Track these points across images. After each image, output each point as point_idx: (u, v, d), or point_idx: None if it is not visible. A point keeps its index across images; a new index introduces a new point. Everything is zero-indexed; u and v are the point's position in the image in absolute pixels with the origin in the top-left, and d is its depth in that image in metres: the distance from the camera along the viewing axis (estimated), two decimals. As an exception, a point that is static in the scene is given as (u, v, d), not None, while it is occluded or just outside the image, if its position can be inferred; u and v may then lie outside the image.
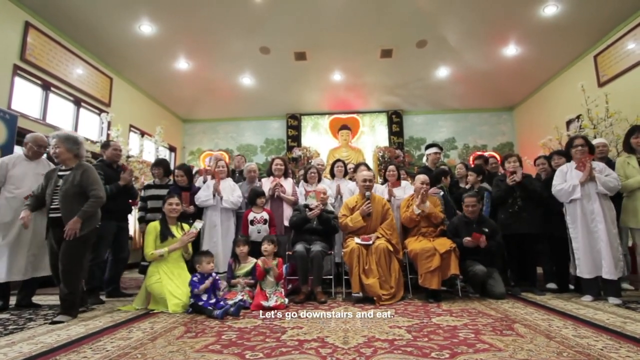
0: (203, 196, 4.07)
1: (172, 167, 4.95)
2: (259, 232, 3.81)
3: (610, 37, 5.77)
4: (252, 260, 3.48)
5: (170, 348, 2.03)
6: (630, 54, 5.41)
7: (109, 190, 3.48)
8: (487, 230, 3.55)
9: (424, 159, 4.96)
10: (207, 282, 3.08)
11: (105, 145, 3.98)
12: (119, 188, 3.71)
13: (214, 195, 4.08)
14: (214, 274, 3.23)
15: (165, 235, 3.32)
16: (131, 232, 6.52)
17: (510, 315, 2.66)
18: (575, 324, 2.37)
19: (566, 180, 3.43)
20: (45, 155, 3.63)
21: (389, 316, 2.72)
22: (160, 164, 4.35)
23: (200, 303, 2.92)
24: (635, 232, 3.35)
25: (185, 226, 3.50)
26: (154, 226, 3.37)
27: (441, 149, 5.01)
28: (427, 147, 4.94)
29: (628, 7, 5.22)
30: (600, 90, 5.78)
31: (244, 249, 3.47)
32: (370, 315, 2.77)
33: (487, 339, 2.06)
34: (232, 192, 4.21)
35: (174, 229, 3.40)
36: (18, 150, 4.32)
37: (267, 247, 3.41)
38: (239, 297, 3.13)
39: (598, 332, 2.18)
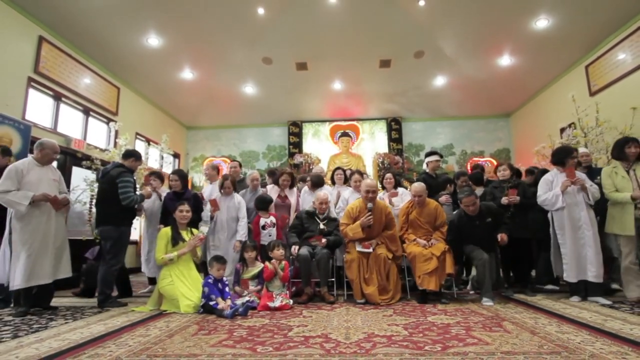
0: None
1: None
2: (270, 236, 4.09)
3: (601, 48, 6.00)
4: (259, 265, 3.69)
5: (187, 343, 2.22)
6: (620, 65, 5.63)
7: (138, 199, 3.68)
8: (489, 220, 3.62)
9: (424, 165, 5.06)
10: (226, 304, 3.14)
11: (139, 157, 3.97)
12: (142, 199, 3.84)
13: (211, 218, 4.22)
14: (224, 279, 3.43)
15: (176, 240, 3.52)
16: (136, 238, 6.72)
17: (501, 314, 2.85)
18: (560, 322, 2.56)
19: (552, 189, 3.57)
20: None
21: (388, 315, 2.92)
22: None
23: (212, 303, 3.12)
24: (620, 238, 3.51)
25: (195, 230, 3.70)
26: (166, 232, 3.57)
27: (441, 156, 5.17)
28: (428, 154, 5.05)
29: (617, 19, 5.45)
30: (591, 99, 6.00)
31: (252, 254, 3.69)
32: (369, 314, 2.96)
33: (476, 335, 2.26)
34: (238, 215, 4.21)
35: (184, 234, 3.60)
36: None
37: (278, 251, 3.62)
38: (247, 298, 3.32)
39: (579, 328, 2.37)
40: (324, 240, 3.78)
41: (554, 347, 1.98)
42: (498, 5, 5.43)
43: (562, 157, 3.64)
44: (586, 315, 2.74)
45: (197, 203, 4.23)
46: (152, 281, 4.41)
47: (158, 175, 4.54)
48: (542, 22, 5.68)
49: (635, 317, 2.66)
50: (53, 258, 3.31)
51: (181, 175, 4.29)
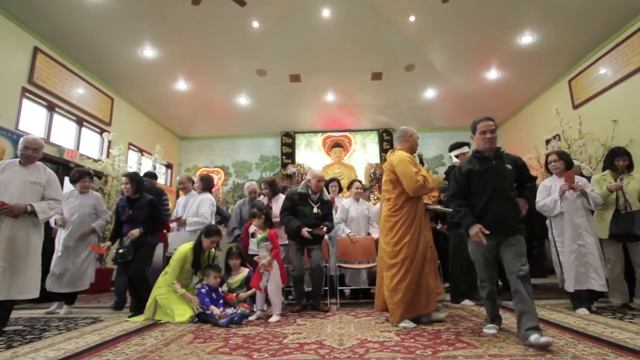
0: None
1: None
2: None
3: (583, 63, 6.25)
4: (243, 270, 3.67)
5: (183, 351, 2.25)
6: (601, 79, 5.87)
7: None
8: (509, 167, 2.60)
9: (453, 159, 4.44)
10: (219, 311, 3.17)
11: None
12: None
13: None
14: (220, 289, 3.45)
15: (196, 269, 3.49)
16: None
17: (490, 320, 2.94)
18: (545, 326, 2.64)
19: (550, 194, 3.46)
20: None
21: (380, 322, 2.98)
22: None
23: (208, 312, 3.15)
24: (605, 243, 3.59)
25: (212, 251, 3.69)
26: (185, 254, 3.46)
27: (469, 146, 4.42)
28: (454, 147, 4.43)
29: (597, 36, 5.70)
30: (574, 112, 6.24)
31: (237, 261, 3.65)
32: (362, 322, 3.03)
33: (466, 339, 2.34)
34: (197, 210, 4.15)
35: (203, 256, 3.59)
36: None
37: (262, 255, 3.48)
38: (240, 309, 3.32)
39: (563, 332, 2.47)
40: (324, 229, 3.66)
41: (539, 349, 2.06)
42: (485, 22, 5.65)
43: (546, 164, 3.66)
44: (570, 320, 2.84)
45: (153, 210, 3.74)
46: (62, 297, 3.91)
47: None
48: (527, 38, 5.92)
49: (616, 322, 2.77)
50: (6, 274, 2.78)
51: (132, 177, 3.70)
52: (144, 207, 3.64)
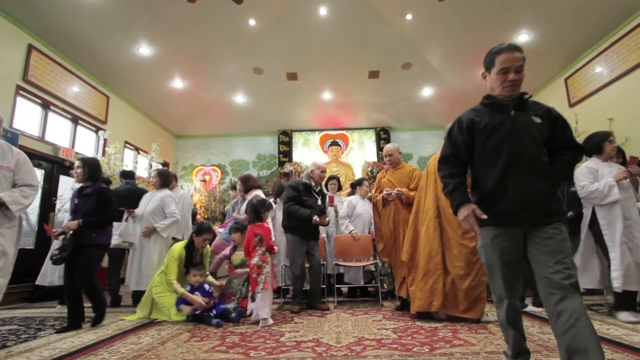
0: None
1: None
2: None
3: (579, 62, 6.28)
4: None
5: (180, 350, 2.24)
6: (597, 78, 5.90)
7: None
8: (539, 120, 1.64)
9: None
10: (193, 308, 3.14)
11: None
12: None
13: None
14: (206, 286, 3.33)
15: (188, 269, 3.38)
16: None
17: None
18: (542, 324, 2.66)
19: (598, 179, 2.98)
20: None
21: (377, 320, 2.98)
22: None
23: (197, 312, 3.12)
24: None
25: (207, 248, 3.63)
26: (179, 253, 3.39)
27: None
28: None
29: (593, 35, 5.73)
30: (570, 110, 6.26)
31: (237, 234, 3.53)
32: (360, 319, 3.02)
33: (462, 337, 2.34)
34: (159, 207, 3.96)
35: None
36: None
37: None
38: (233, 304, 3.30)
39: (560, 329, 2.47)
40: (327, 219, 3.75)
41: (535, 346, 2.07)
42: (481, 20, 5.66)
43: (599, 141, 3.09)
44: (567, 318, 2.84)
45: (101, 200, 3.05)
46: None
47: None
48: (523, 37, 5.93)
49: (612, 318, 2.79)
50: None
51: (85, 162, 3.14)
52: (90, 196, 3.00)
